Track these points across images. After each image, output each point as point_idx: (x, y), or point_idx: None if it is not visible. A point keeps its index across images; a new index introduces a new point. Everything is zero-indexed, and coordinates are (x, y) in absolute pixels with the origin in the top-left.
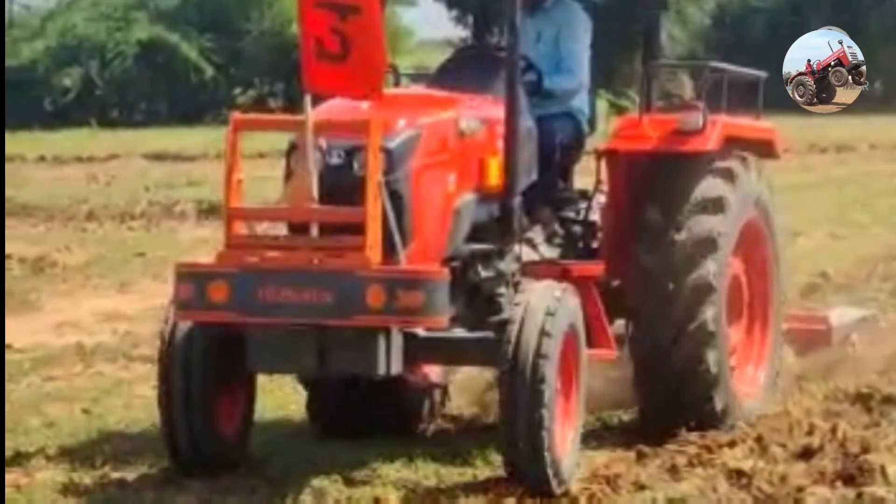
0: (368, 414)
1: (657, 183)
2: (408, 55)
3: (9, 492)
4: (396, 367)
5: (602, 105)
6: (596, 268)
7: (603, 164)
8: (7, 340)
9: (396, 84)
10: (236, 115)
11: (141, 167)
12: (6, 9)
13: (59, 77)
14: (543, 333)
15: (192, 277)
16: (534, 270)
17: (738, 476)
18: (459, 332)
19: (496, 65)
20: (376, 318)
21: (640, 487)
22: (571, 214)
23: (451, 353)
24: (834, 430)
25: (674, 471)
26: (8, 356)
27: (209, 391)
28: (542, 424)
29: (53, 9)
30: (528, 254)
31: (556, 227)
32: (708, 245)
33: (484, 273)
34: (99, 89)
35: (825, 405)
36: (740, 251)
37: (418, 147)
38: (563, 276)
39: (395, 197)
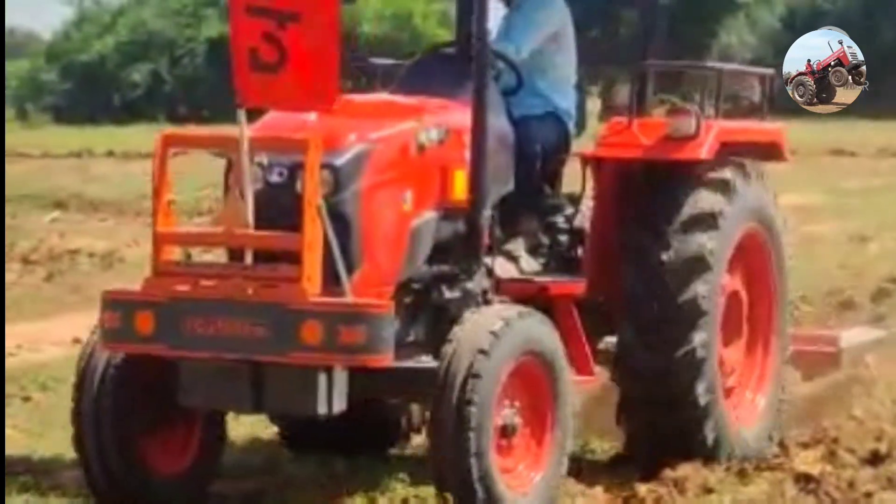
0: (342, 428)
1: (645, 194)
2: None
3: (74, 488)
4: (340, 406)
5: (593, 103)
6: (576, 286)
7: (588, 170)
8: (76, 335)
9: (370, 79)
10: (165, 131)
11: (208, 163)
12: (78, 3)
13: (129, 73)
14: (472, 376)
15: (117, 306)
16: (509, 288)
17: (806, 481)
18: (426, 361)
19: (469, 66)
20: (313, 355)
21: (708, 491)
22: (559, 221)
23: (404, 387)
24: None
25: (742, 474)
26: (78, 351)
27: (130, 427)
28: (472, 475)
29: (124, 5)
30: (508, 269)
31: (542, 236)
32: (697, 265)
33: (449, 294)
34: (168, 85)
35: (894, 410)
36: (739, 265)
37: (369, 164)
38: (540, 294)
39: (341, 220)
